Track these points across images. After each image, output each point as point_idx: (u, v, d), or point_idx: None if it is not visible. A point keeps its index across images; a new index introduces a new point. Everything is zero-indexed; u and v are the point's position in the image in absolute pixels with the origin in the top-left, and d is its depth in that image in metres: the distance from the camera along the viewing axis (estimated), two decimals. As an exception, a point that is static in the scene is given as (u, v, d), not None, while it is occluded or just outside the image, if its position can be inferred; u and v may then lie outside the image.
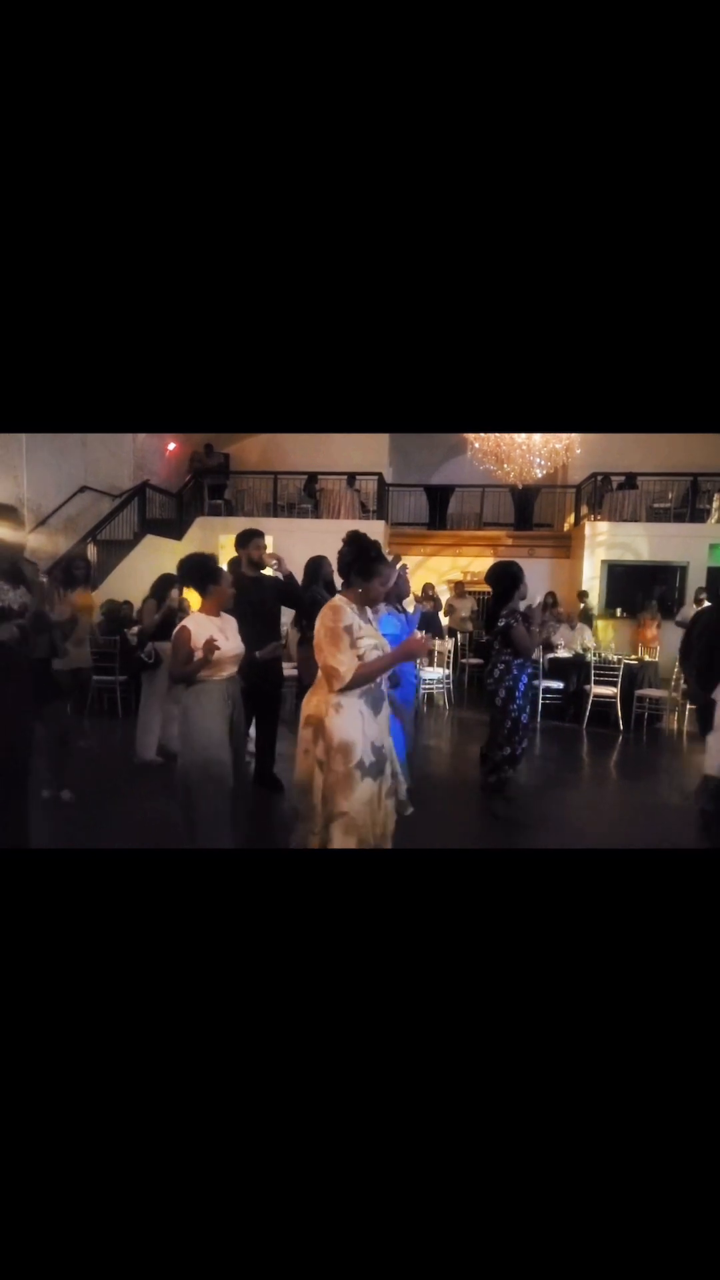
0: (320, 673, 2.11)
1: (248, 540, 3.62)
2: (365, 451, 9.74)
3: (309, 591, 4.04)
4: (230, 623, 2.59)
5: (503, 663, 3.49)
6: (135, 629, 4.56)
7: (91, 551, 7.23)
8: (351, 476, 9.32)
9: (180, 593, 4.33)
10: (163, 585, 4.44)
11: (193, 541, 8.73)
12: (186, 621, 2.47)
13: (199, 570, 2.54)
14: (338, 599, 2.10)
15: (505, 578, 3.54)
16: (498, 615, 3.51)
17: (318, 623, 2.08)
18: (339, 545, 2.18)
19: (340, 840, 2.07)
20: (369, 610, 2.20)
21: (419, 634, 2.15)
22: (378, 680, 2.13)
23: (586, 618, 7.69)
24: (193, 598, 2.66)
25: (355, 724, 2.04)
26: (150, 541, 7.96)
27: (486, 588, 4.14)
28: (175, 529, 8.89)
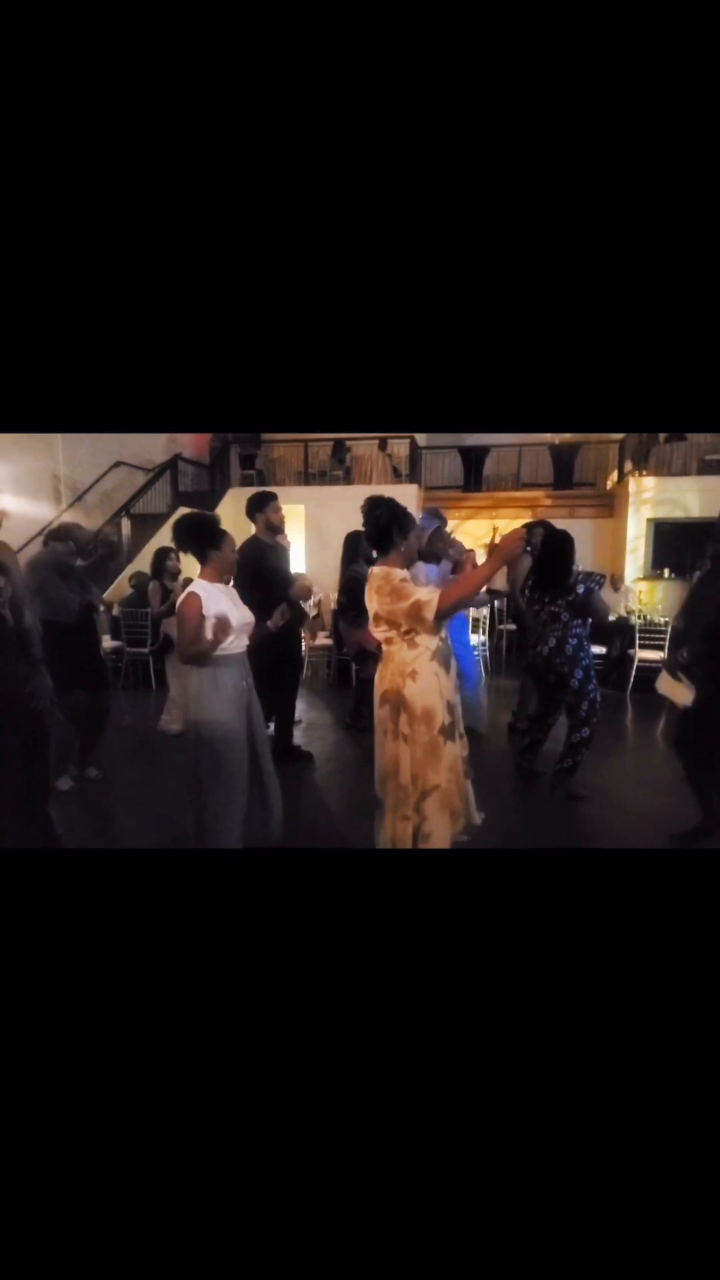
0: (388, 643, 2.00)
1: (264, 503, 3.40)
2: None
3: (349, 569, 3.94)
4: (233, 591, 2.33)
5: (574, 636, 3.14)
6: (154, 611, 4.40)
7: (126, 526, 7.32)
8: (383, 440, 9.09)
9: (176, 560, 4.16)
10: (159, 561, 4.19)
11: (225, 513, 8.74)
12: (194, 588, 2.18)
13: (199, 532, 2.23)
14: (376, 569, 2.00)
15: (566, 542, 3.23)
16: (564, 582, 3.15)
17: (372, 593, 1.97)
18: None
19: (436, 818, 1.98)
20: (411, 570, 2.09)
21: (517, 530, 1.95)
22: (444, 636, 2.03)
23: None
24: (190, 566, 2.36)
25: (433, 687, 1.97)
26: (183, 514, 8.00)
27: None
28: (208, 501, 8.89)
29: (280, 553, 3.48)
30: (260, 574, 3.24)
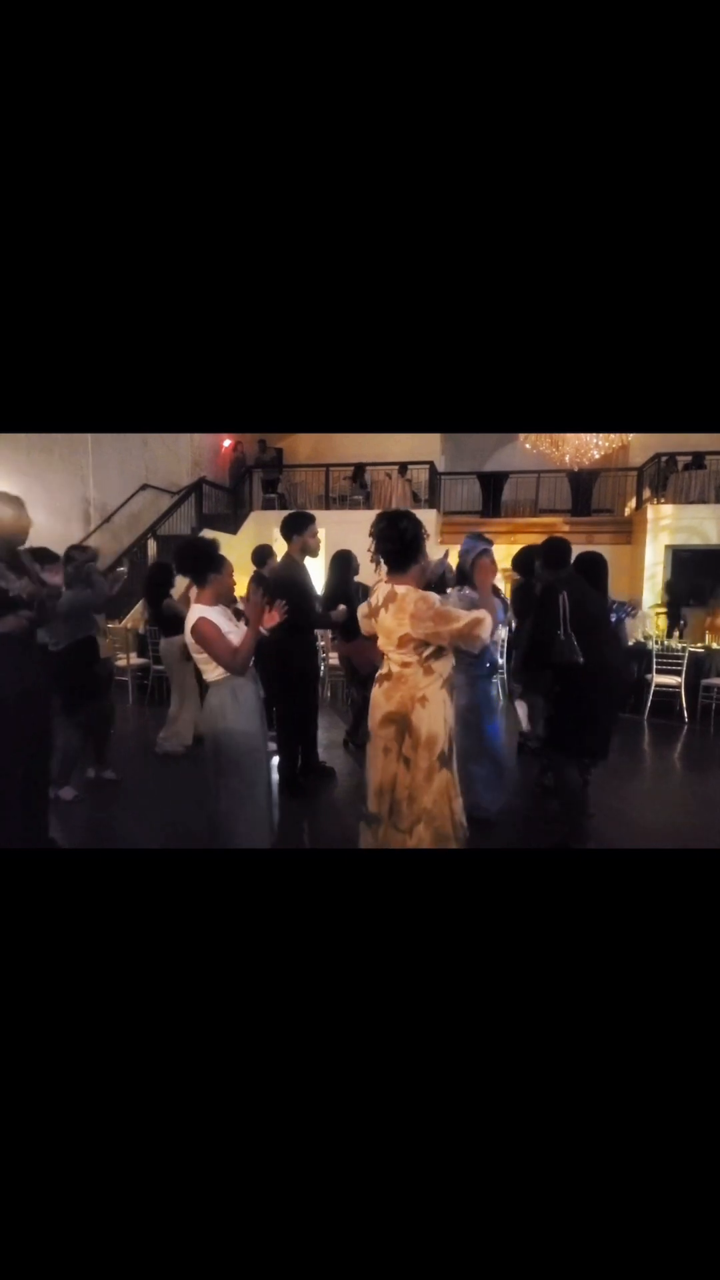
0: (404, 666, 2.03)
1: (304, 526, 3.31)
2: (417, 440, 9.65)
3: (346, 588, 4.02)
4: (229, 613, 2.35)
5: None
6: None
7: (152, 546, 7.52)
8: (403, 466, 9.27)
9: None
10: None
11: (248, 534, 8.93)
12: (201, 613, 2.16)
13: (197, 556, 2.20)
14: (411, 591, 2.00)
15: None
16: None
17: (406, 616, 1.98)
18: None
19: (424, 838, 2.02)
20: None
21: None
22: (454, 666, 2.10)
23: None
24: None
25: (440, 714, 2.03)
26: (207, 535, 8.20)
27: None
28: (231, 523, 9.10)
29: (309, 575, 3.58)
30: (299, 592, 3.28)
